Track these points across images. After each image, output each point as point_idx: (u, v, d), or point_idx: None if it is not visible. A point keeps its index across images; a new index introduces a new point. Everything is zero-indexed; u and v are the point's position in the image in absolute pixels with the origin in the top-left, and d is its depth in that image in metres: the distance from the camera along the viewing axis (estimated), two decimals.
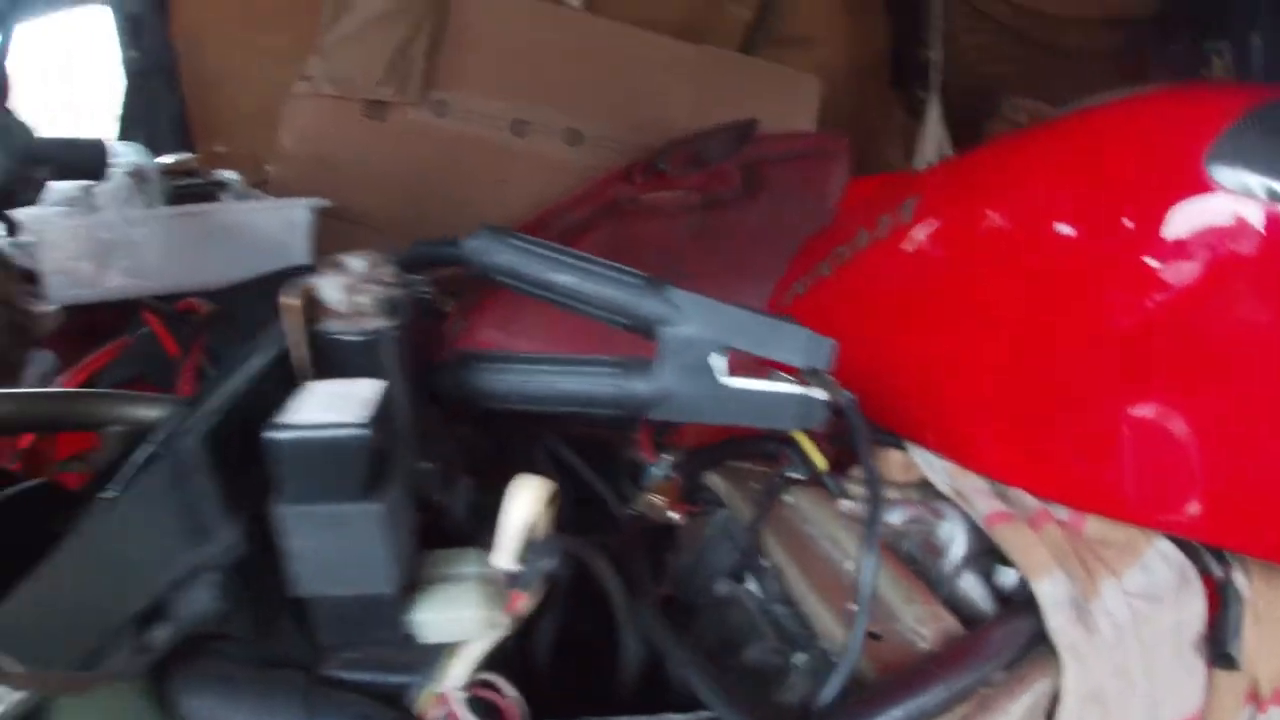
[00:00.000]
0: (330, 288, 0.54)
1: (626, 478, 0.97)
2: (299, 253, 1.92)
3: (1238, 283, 0.76)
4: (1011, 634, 0.72)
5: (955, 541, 0.82)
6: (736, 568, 0.86)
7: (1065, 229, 0.86)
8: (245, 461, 0.51)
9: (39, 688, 0.51)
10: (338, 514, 0.47)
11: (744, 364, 0.65)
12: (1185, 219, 0.77)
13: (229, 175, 2.09)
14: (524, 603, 0.57)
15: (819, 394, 0.64)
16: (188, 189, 2.00)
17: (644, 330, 0.64)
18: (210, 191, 2.03)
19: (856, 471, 0.89)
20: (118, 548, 0.52)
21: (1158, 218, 0.79)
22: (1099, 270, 0.83)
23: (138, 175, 1.85)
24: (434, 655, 0.59)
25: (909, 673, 0.68)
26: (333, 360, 0.54)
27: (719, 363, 0.63)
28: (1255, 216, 0.74)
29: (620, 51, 2.36)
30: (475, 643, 0.58)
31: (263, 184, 2.35)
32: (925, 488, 0.89)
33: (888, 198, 1.12)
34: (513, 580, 0.57)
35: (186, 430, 0.49)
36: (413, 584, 0.55)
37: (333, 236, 1.99)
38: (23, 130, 0.98)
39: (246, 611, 0.55)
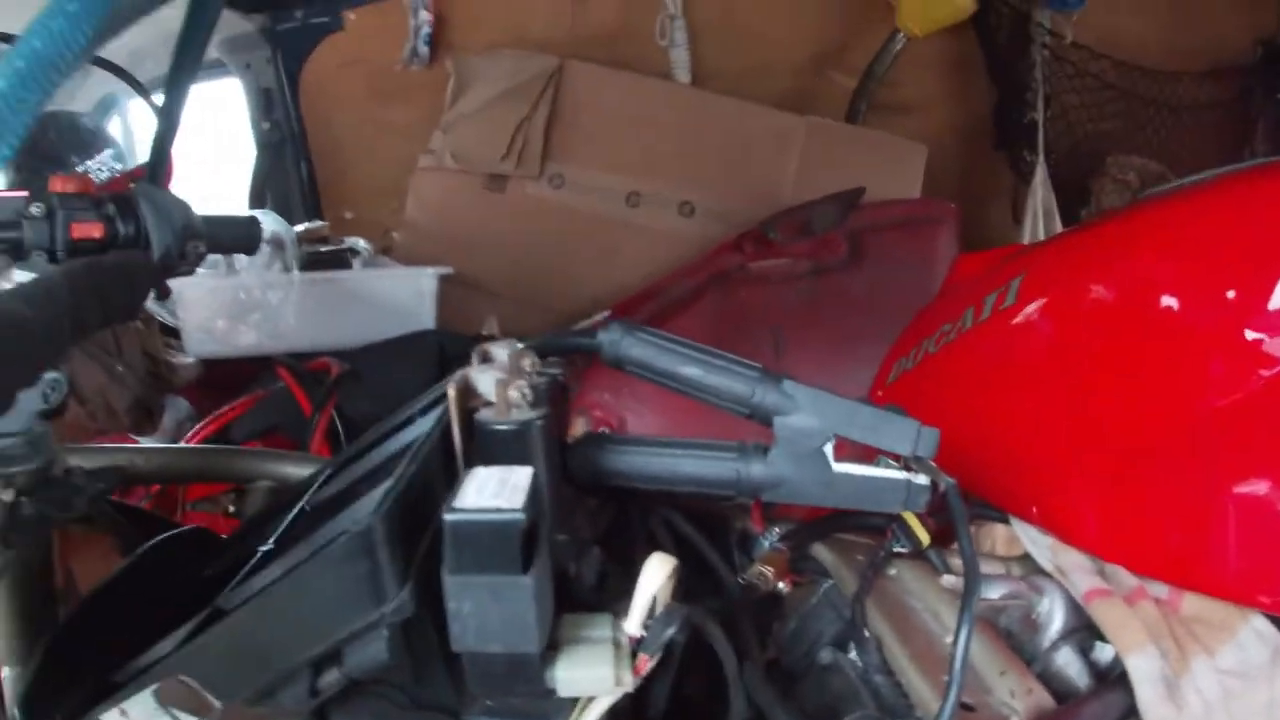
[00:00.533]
0: (485, 381, 0.63)
1: (737, 548, 1.03)
2: (425, 318, 2.03)
3: None
4: (1103, 709, 0.76)
5: (1053, 617, 0.85)
6: (839, 637, 0.91)
7: (1170, 304, 0.90)
8: (413, 531, 0.59)
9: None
10: (496, 584, 0.54)
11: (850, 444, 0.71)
12: None
13: (359, 242, 2.23)
14: (649, 665, 0.64)
15: (923, 480, 0.69)
16: (320, 254, 2.13)
17: (761, 419, 0.70)
18: (342, 257, 2.16)
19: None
20: (304, 604, 0.60)
21: (1264, 291, 0.82)
22: (1203, 345, 0.87)
23: (275, 241, 1.98)
24: (566, 707, 0.65)
25: None
26: (487, 444, 0.62)
27: (829, 449, 0.69)
28: None
29: (728, 124, 2.43)
30: (603, 698, 0.65)
31: (388, 250, 2.49)
32: (1027, 562, 0.93)
33: (994, 277, 1.16)
34: (640, 644, 0.63)
35: (372, 509, 0.57)
36: (553, 644, 0.62)
37: (452, 301, 2.10)
38: (183, 210, 1.09)
39: (407, 662, 0.62)
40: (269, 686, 0.63)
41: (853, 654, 0.89)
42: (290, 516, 0.74)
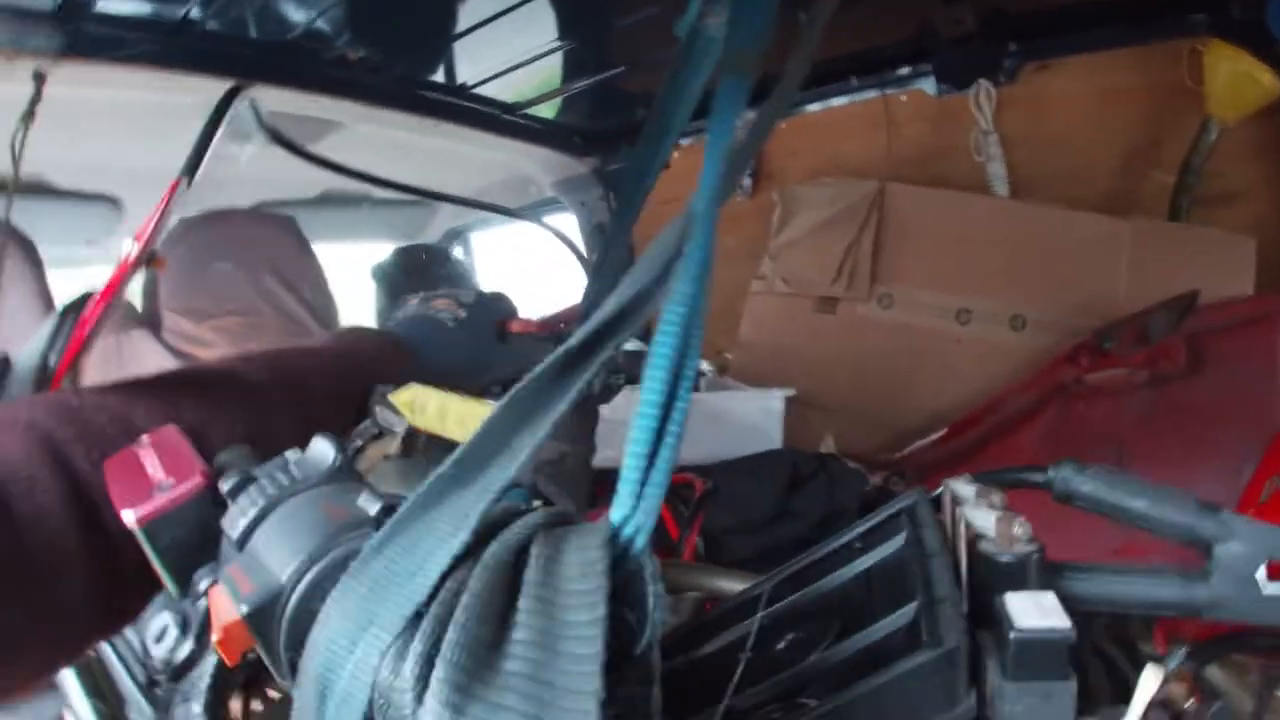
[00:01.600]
0: (980, 516, 0.77)
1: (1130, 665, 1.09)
2: (774, 437, 2.20)
3: None
4: None
5: None
6: None
7: None
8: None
9: None
10: (1048, 689, 0.67)
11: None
12: None
13: (701, 364, 2.45)
14: None
15: None
16: None
17: (1199, 546, 0.80)
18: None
19: None
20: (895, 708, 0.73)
21: None
22: None
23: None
24: None
25: None
26: (991, 573, 0.75)
27: (1262, 573, 0.78)
28: None
29: (1052, 234, 2.48)
30: None
31: (724, 370, 2.70)
32: None
33: None
34: None
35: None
36: None
37: (788, 418, 2.25)
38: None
39: None
40: None
41: None
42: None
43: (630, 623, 0.47)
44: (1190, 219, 2.62)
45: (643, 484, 0.48)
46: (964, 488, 0.81)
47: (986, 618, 0.72)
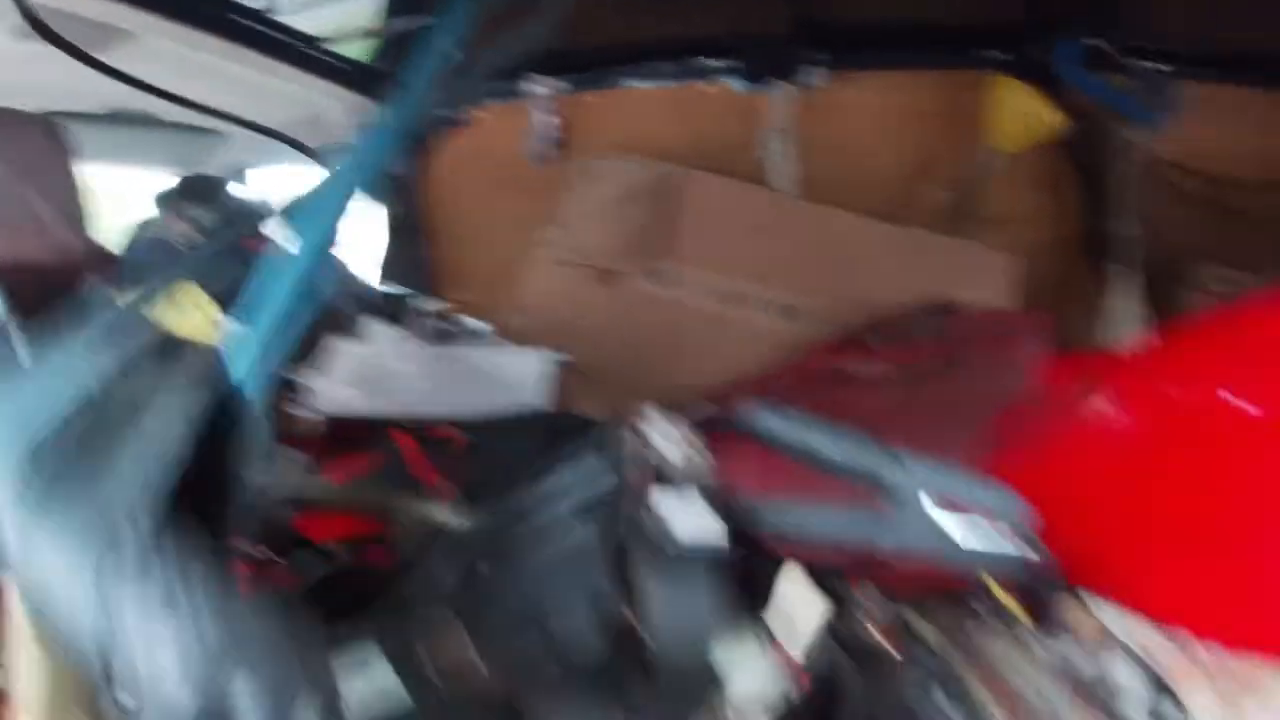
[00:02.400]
0: (662, 438, 0.77)
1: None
2: (538, 398, 2.17)
3: None
4: None
5: (1134, 685, 0.94)
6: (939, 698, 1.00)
7: (1240, 406, 1.00)
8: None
9: None
10: (691, 581, 0.69)
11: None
12: None
13: (481, 324, 2.40)
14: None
15: (1025, 549, 0.81)
16: (446, 331, 2.29)
17: (877, 483, 0.82)
18: (465, 336, 2.33)
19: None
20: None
21: None
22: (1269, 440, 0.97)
23: (411, 314, 2.14)
24: None
25: None
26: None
27: (940, 514, 0.81)
28: None
29: (831, 233, 2.58)
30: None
31: (503, 333, 2.65)
32: (1110, 638, 1.01)
33: (1078, 382, 1.27)
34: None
35: None
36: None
37: (558, 384, 2.23)
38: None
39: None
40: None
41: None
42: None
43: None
44: (963, 236, 2.76)
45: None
46: (655, 416, 0.81)
47: (652, 519, 0.74)
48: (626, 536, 0.73)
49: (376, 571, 1.05)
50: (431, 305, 2.44)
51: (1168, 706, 0.92)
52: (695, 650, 0.70)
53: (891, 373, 2.22)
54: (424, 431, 2.04)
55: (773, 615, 0.74)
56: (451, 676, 0.73)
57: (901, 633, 1.05)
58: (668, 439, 0.77)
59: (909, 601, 1.12)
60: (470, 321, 2.39)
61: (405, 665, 0.76)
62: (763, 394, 2.11)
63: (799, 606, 0.75)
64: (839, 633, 0.95)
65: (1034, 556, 0.82)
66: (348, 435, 2.06)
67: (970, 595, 1.08)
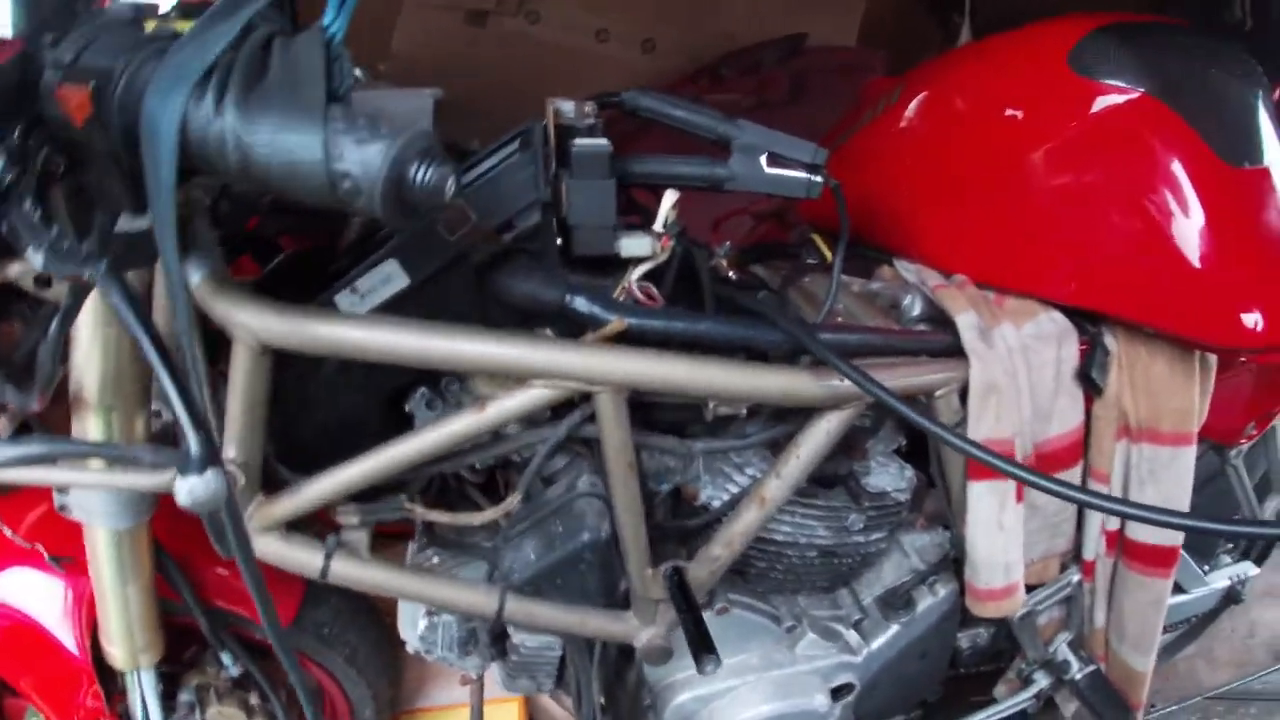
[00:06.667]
0: (567, 106, 1.04)
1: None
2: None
3: (1094, 139, 1.21)
4: (935, 336, 1.18)
5: (914, 305, 1.23)
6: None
7: (1003, 106, 1.29)
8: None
9: None
10: (596, 185, 1.00)
11: None
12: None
13: (355, 70, 2.49)
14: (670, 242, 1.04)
15: (818, 179, 1.07)
16: None
17: (724, 142, 1.07)
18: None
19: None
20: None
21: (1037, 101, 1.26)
22: (1006, 130, 1.28)
23: None
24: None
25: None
26: (567, 136, 1.02)
27: (764, 159, 1.07)
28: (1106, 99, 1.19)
29: None
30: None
31: (378, 79, 2.74)
32: (904, 279, 1.31)
33: (887, 87, 1.53)
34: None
35: None
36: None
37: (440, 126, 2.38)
38: None
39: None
40: None
41: None
42: None
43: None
44: None
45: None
46: (564, 103, 1.07)
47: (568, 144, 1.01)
48: (548, 158, 1.00)
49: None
50: None
51: (937, 312, 1.22)
52: (599, 222, 1.00)
53: (741, 102, 2.46)
54: None
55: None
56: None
57: (741, 265, 1.34)
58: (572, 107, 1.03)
59: (754, 253, 1.43)
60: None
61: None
62: (619, 122, 2.34)
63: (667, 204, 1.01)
64: (697, 259, 1.22)
65: (828, 181, 1.09)
66: None
67: (801, 248, 1.37)
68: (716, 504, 1.18)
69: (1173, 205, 1.19)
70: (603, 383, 1.01)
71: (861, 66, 2.67)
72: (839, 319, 1.24)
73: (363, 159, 0.68)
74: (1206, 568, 1.70)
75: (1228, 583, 1.69)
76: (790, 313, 1.21)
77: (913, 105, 1.42)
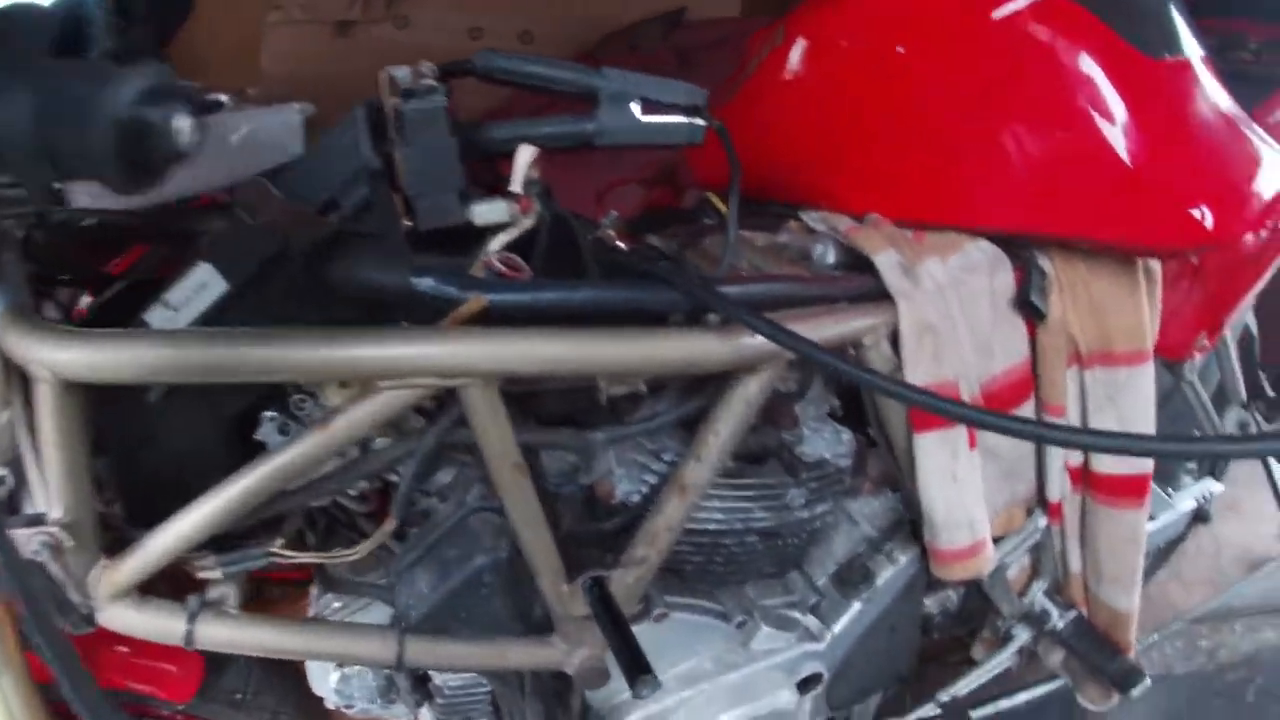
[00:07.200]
0: (401, 71, 0.92)
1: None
2: (295, 150, 2.18)
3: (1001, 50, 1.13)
4: (854, 280, 1.07)
5: (826, 254, 1.13)
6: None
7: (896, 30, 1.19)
8: None
9: None
10: (432, 143, 0.90)
11: None
12: None
13: (221, 96, 2.34)
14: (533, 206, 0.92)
15: (700, 122, 0.96)
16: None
17: (589, 96, 0.95)
18: (209, 106, 2.28)
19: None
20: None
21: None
22: (904, 55, 1.18)
23: None
24: None
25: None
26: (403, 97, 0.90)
27: (637, 108, 0.94)
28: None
29: None
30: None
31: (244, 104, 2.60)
32: (811, 228, 1.19)
33: (769, 31, 1.42)
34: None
35: None
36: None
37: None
38: None
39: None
40: None
41: None
42: None
43: None
44: None
45: None
46: (400, 70, 0.95)
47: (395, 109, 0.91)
48: (379, 126, 0.93)
49: None
50: None
51: (853, 257, 1.11)
52: (442, 188, 0.90)
53: None
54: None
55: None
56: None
57: (633, 235, 1.22)
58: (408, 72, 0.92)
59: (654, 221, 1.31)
60: (211, 95, 2.33)
61: None
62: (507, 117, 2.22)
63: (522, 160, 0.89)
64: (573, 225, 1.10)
65: (711, 124, 0.98)
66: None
67: (696, 211, 1.25)
68: (636, 499, 1.05)
69: (1096, 107, 1.10)
70: (465, 374, 0.88)
71: (748, 36, 2.59)
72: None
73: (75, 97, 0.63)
74: (1170, 490, 1.63)
75: (1194, 504, 1.63)
76: (688, 273, 1.09)
77: (798, 48, 1.31)
